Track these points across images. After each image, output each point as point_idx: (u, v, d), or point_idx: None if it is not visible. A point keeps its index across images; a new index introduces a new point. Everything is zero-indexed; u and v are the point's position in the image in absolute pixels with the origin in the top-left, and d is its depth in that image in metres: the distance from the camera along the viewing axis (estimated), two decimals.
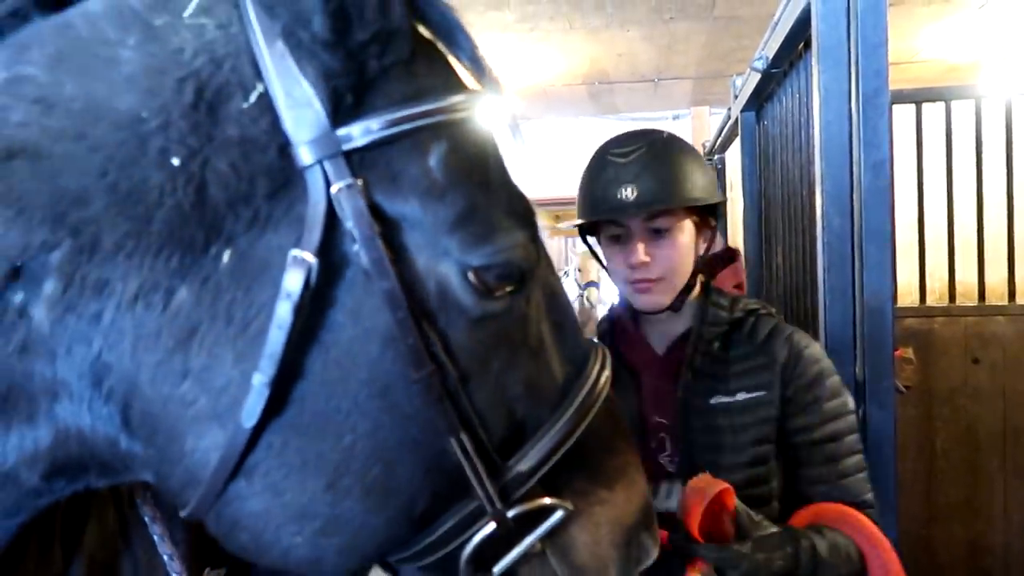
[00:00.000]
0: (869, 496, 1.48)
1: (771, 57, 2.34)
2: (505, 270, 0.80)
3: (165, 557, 0.98)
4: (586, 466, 0.90)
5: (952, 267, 3.21)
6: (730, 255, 1.74)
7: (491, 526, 0.81)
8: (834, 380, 1.53)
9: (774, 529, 1.30)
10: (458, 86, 0.83)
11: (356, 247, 0.73)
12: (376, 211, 0.74)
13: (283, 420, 0.74)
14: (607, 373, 0.92)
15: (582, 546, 0.88)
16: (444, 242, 0.77)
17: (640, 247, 1.51)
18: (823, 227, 1.82)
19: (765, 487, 1.49)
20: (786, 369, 1.51)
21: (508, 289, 0.81)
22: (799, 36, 2.10)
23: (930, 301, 3.29)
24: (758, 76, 2.53)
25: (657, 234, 1.52)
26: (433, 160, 0.77)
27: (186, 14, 0.75)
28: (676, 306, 1.56)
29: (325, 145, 0.72)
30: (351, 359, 0.75)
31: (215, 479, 0.75)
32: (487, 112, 0.85)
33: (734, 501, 1.25)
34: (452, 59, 0.85)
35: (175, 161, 0.71)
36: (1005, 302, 3.17)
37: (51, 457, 0.77)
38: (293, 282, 0.71)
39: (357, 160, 0.74)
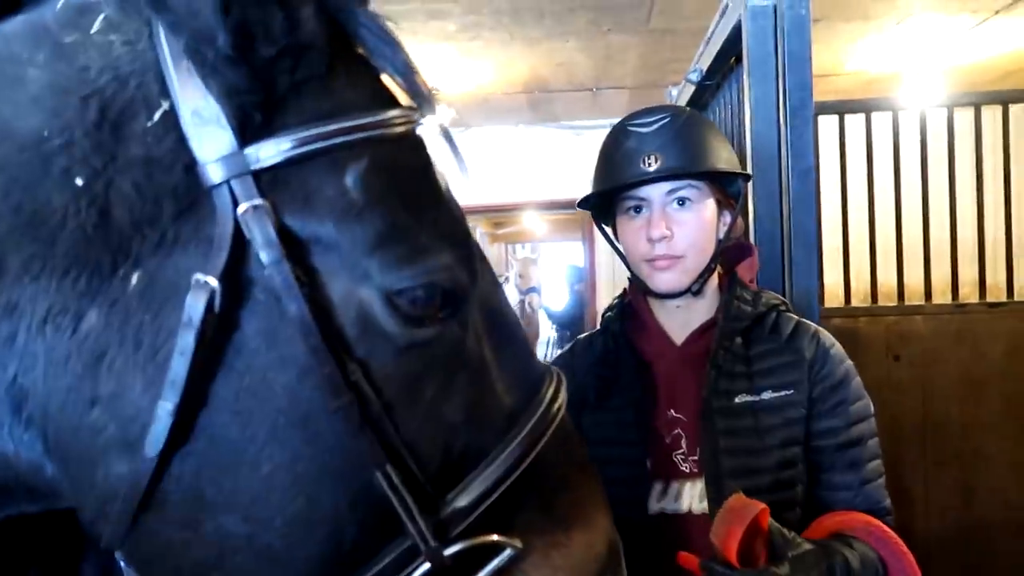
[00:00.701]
0: (887, 502, 1.44)
1: (704, 70, 2.46)
2: (428, 293, 0.75)
3: None
4: (540, 502, 0.84)
5: (874, 269, 3.37)
6: (746, 249, 1.68)
7: (426, 566, 0.75)
8: (858, 381, 1.47)
9: (808, 546, 1.24)
10: (384, 101, 0.80)
11: (266, 271, 0.70)
12: (286, 233, 0.71)
13: (193, 449, 0.71)
14: (562, 398, 0.87)
15: None
16: (364, 265, 0.73)
17: (661, 221, 1.43)
18: (755, 230, 1.93)
19: (791, 492, 1.42)
20: (812, 368, 1.44)
21: (439, 314, 0.77)
22: (730, 51, 2.22)
23: (854, 302, 3.46)
24: (692, 88, 2.65)
25: (679, 208, 1.45)
26: (350, 179, 0.73)
27: (93, 31, 0.73)
28: (695, 289, 1.48)
29: (232, 164, 0.70)
30: (267, 387, 0.71)
31: (124, 510, 0.72)
32: (418, 127, 0.82)
33: (768, 520, 1.20)
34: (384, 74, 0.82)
35: (78, 181, 0.69)
36: (923, 302, 3.34)
37: None
38: (195, 307, 0.68)
39: (268, 180, 0.71)
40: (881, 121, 3.35)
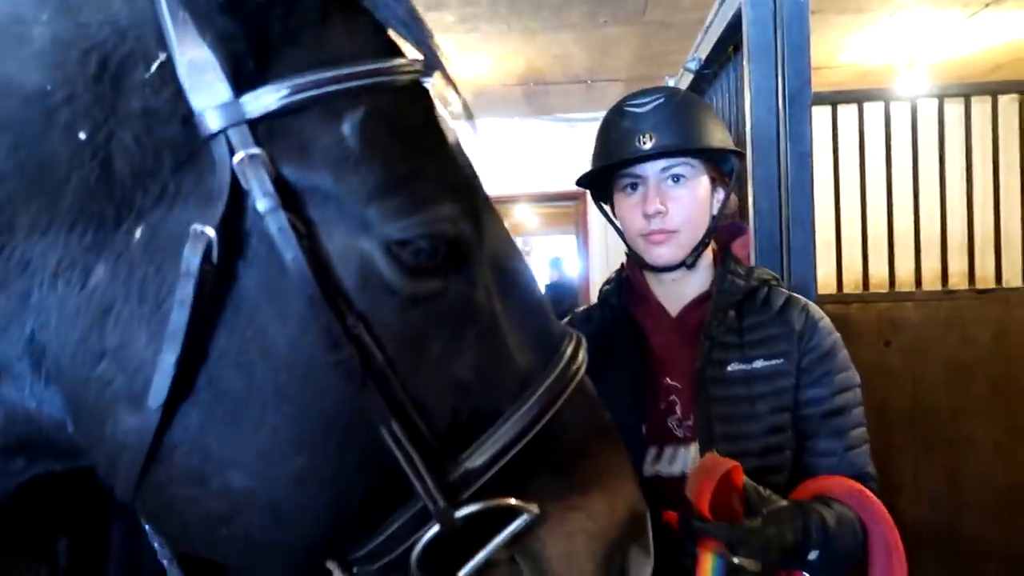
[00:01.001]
0: (871, 469, 1.48)
1: (703, 59, 2.50)
2: (431, 244, 0.74)
3: (156, 545, 0.92)
4: (558, 466, 0.81)
5: (865, 256, 3.41)
6: (741, 228, 1.71)
7: (435, 528, 0.74)
8: (844, 353, 1.52)
9: (783, 503, 1.29)
10: (383, 51, 0.78)
11: (264, 221, 0.69)
12: (283, 183, 0.70)
13: (197, 402, 0.71)
14: (581, 359, 0.84)
15: (556, 556, 0.79)
16: (363, 215, 0.72)
17: (656, 197, 1.48)
18: (755, 214, 1.98)
19: (780, 456, 1.47)
20: (802, 338, 1.49)
21: (443, 267, 0.75)
22: (729, 40, 2.26)
23: (846, 290, 3.51)
24: (691, 77, 2.69)
25: (674, 184, 1.50)
26: (347, 128, 0.72)
27: None
28: (690, 262, 1.53)
29: (228, 114, 0.69)
30: (269, 340, 0.70)
31: (133, 463, 0.72)
32: (421, 78, 0.80)
33: (742, 478, 1.24)
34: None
35: (81, 135, 0.70)
36: (913, 289, 3.39)
37: (2, 438, 0.77)
38: (193, 257, 0.67)
39: (264, 129, 0.70)
40: (873, 112, 3.39)
